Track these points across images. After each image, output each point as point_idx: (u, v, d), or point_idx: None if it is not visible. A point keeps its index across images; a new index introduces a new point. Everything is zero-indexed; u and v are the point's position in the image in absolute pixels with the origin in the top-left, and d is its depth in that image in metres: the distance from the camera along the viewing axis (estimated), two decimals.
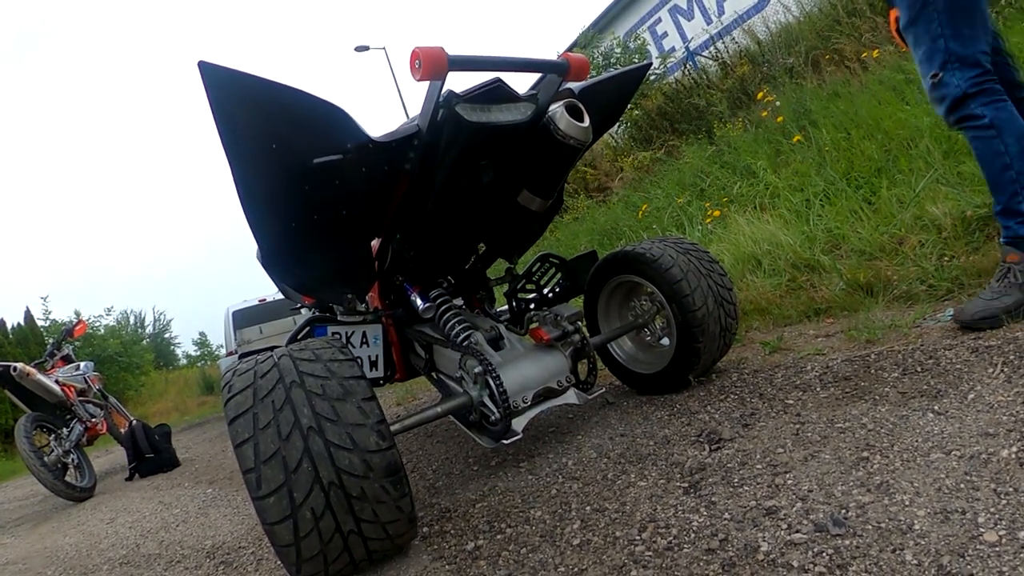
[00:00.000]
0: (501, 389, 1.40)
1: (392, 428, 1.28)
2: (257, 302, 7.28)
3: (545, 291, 2.16)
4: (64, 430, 4.01)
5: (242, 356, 1.86)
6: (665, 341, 1.90)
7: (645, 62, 1.66)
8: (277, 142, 1.21)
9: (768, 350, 1.92)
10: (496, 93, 1.39)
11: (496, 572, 1.10)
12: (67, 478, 3.79)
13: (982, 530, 0.74)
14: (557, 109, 1.45)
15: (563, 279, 2.16)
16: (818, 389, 1.41)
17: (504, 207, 1.66)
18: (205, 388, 16.50)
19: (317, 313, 2.32)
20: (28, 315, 14.37)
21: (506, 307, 2.20)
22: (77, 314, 16.99)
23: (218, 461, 4.06)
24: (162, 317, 26.42)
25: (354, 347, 1.82)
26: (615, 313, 2.02)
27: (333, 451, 1.03)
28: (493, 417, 1.45)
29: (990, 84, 1.46)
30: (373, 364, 1.86)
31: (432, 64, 1.16)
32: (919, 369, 1.29)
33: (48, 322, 15.37)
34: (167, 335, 26.29)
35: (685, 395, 1.76)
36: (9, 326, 13.41)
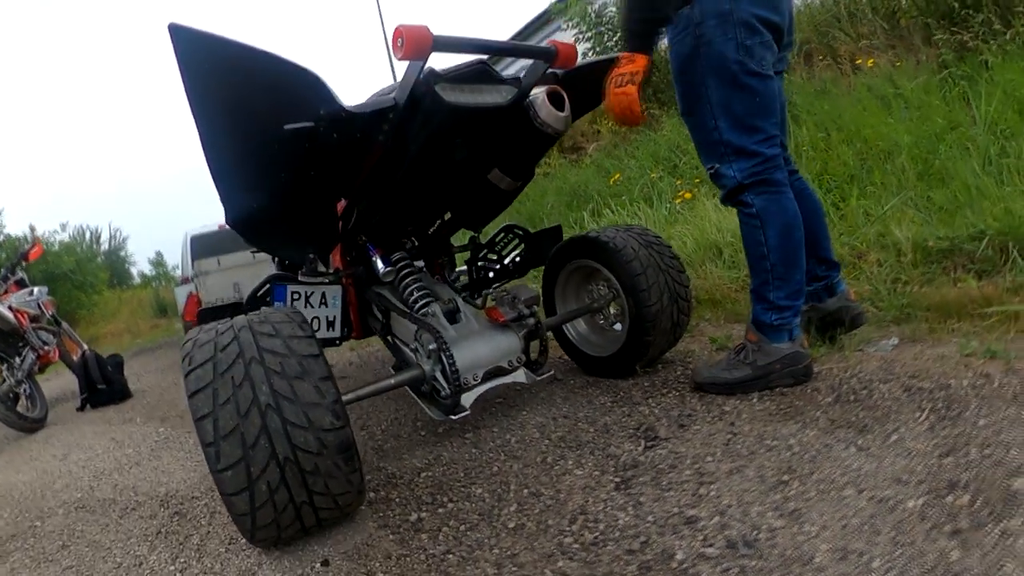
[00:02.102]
0: (453, 367, 1.44)
1: (345, 398, 1.31)
2: (217, 228, 7.03)
3: (506, 262, 2.21)
4: (16, 359, 3.91)
5: (201, 316, 1.83)
6: (618, 327, 1.97)
7: (618, 53, 1.65)
8: (248, 107, 1.19)
9: (715, 346, 2.01)
10: (479, 74, 1.38)
11: (436, 547, 1.17)
12: (19, 408, 3.73)
13: (873, 575, 0.81)
14: (539, 95, 1.45)
15: (525, 251, 2.21)
16: (755, 400, 1.49)
17: (474, 182, 1.67)
18: (158, 310, 16.16)
19: (277, 271, 2.30)
20: None
21: (465, 270, 2.23)
22: (32, 229, 16.19)
23: (169, 396, 4.05)
24: (118, 234, 25.58)
25: (312, 307, 1.83)
26: (572, 294, 2.07)
27: (290, 429, 1.06)
28: (444, 393, 1.50)
29: (767, 174, 1.49)
30: (330, 324, 1.88)
31: (415, 44, 1.15)
32: (852, 398, 1.37)
33: (1, 236, 14.67)
34: (122, 253, 25.51)
35: (630, 383, 1.84)
36: None
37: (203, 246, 6.88)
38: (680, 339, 1.94)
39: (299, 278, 1.78)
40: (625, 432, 1.49)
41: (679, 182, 4.34)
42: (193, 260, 6.75)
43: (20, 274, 4.77)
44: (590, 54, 7.34)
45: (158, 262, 26.49)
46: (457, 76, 1.33)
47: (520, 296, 1.61)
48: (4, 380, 3.79)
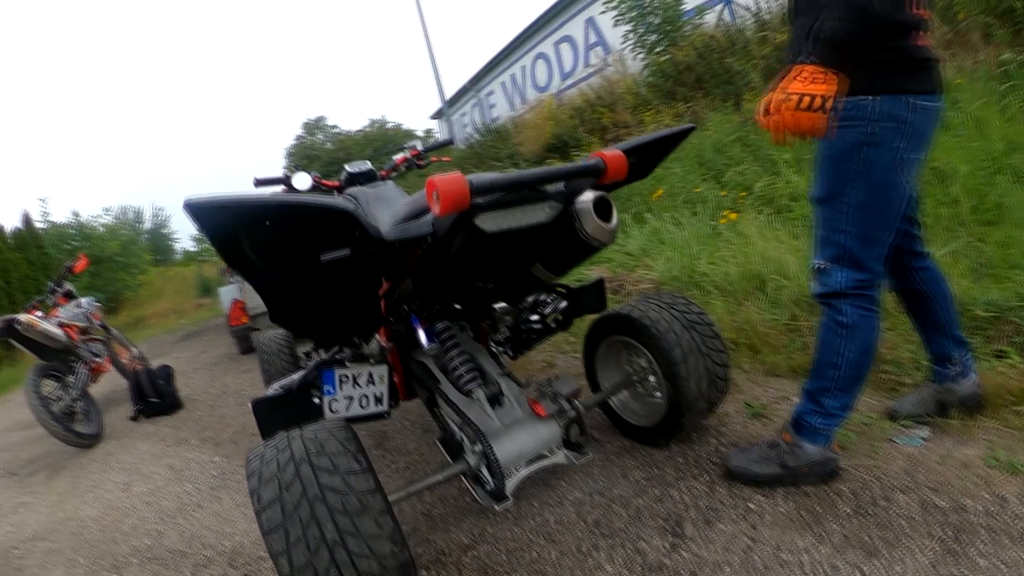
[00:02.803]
0: (496, 465, 1.64)
1: (393, 497, 1.54)
2: None
3: (548, 320, 2.38)
4: (70, 377, 4.33)
5: (256, 408, 2.02)
6: (657, 394, 2.14)
7: (688, 125, 1.66)
8: (281, 250, 1.34)
9: (750, 414, 2.16)
10: (521, 196, 1.43)
11: None
12: (75, 425, 4.12)
13: None
14: (586, 204, 1.49)
15: (568, 307, 2.37)
16: (779, 499, 1.65)
17: (515, 274, 1.82)
18: (202, 290, 17.05)
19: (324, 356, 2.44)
20: (26, 218, 14.51)
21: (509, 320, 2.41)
22: (76, 215, 17.20)
23: (219, 411, 4.42)
24: (160, 213, 27.05)
25: (360, 386, 2.05)
26: (612, 362, 2.24)
27: (355, 559, 1.28)
28: (489, 487, 1.70)
29: (871, 291, 1.55)
30: (379, 400, 2.10)
31: (453, 199, 1.21)
32: (870, 511, 1.51)
33: (47, 224, 15.64)
34: (164, 230, 26.98)
35: (664, 455, 2.03)
36: (8, 230, 13.57)
37: None
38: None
39: (345, 362, 2.00)
40: (655, 522, 1.69)
41: (724, 194, 4.39)
42: None
43: (68, 286, 5.21)
44: (630, 37, 7.25)
45: (200, 238, 27.89)
46: (499, 202, 1.40)
47: (561, 391, 1.79)
48: (59, 398, 4.19)
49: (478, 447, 1.67)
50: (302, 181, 2.69)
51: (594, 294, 2.39)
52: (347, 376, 2.01)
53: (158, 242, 25.04)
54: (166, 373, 4.91)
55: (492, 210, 1.37)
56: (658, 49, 6.90)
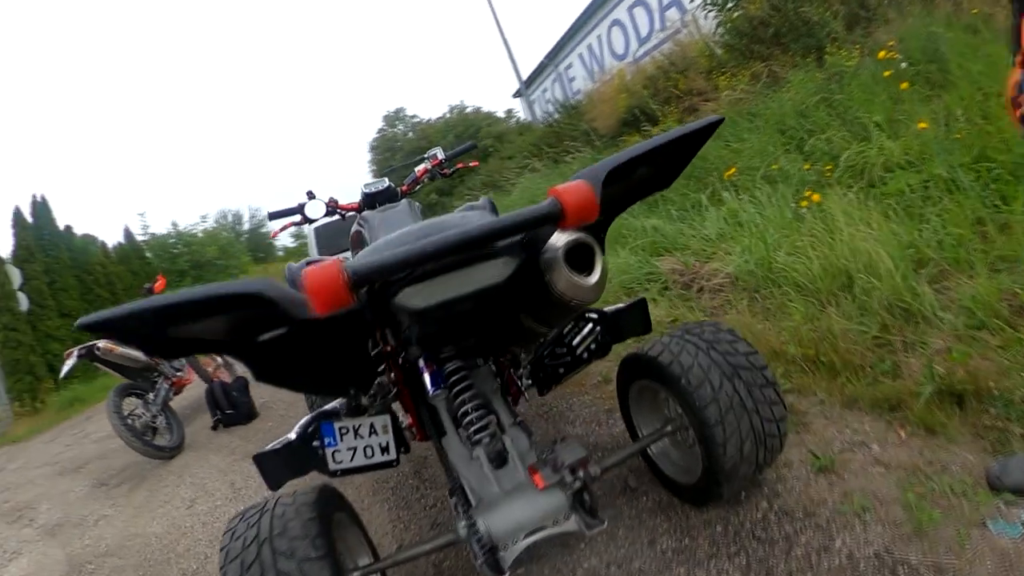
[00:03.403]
0: (488, 540, 1.43)
1: (380, 565, 1.48)
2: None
3: (579, 351, 2.00)
4: (150, 395, 4.60)
5: (258, 461, 1.92)
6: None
7: (716, 117, 1.27)
8: (214, 336, 1.19)
9: (815, 467, 1.76)
10: (455, 260, 1.16)
11: None
12: (156, 440, 4.39)
13: None
14: (553, 254, 1.19)
15: (602, 334, 2.03)
16: None
17: (498, 328, 1.58)
18: None
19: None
20: (128, 233, 16.05)
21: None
22: (174, 225, 18.82)
23: (289, 420, 4.53)
24: (258, 213, 28.98)
25: (363, 437, 1.89)
26: (647, 406, 1.91)
27: None
28: (479, 561, 1.49)
29: None
30: (384, 449, 1.94)
31: (327, 297, 0.96)
32: None
33: (148, 236, 17.26)
34: (263, 229, 28.90)
35: (701, 519, 1.70)
36: (111, 246, 15.05)
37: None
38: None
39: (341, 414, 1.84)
40: None
41: (807, 167, 3.81)
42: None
43: None
44: (713, 21, 6.54)
45: (298, 233, 29.78)
46: (420, 275, 1.15)
47: (563, 460, 1.50)
48: (141, 415, 4.45)
49: (467, 521, 1.46)
50: (315, 209, 2.60)
51: (635, 316, 2.00)
52: (347, 428, 1.86)
53: (258, 241, 26.85)
54: (240, 385, 5.11)
55: (419, 282, 1.13)
56: (730, 5, 6.18)
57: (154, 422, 4.49)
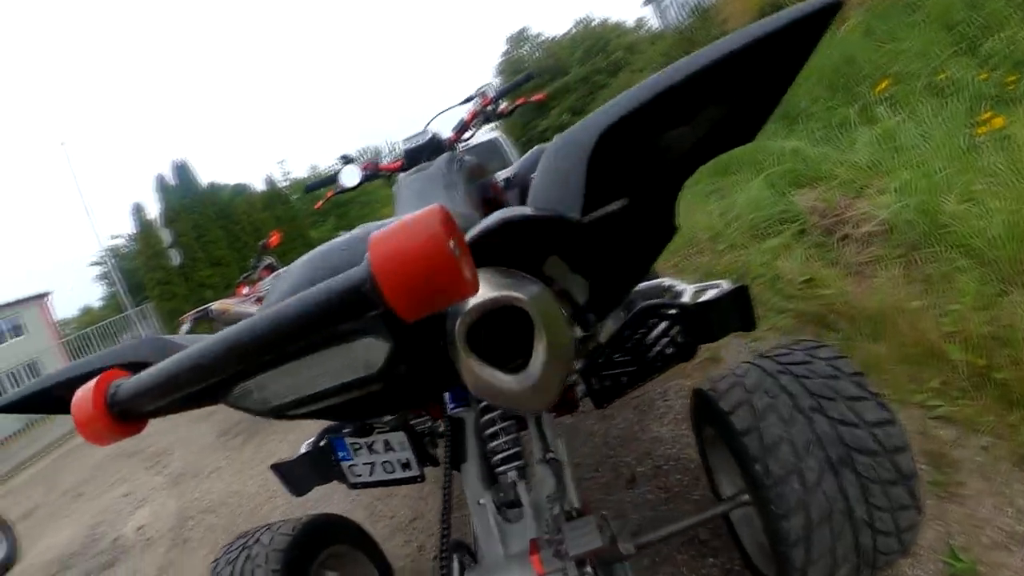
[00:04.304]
0: None
1: None
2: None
3: (650, 355, 1.43)
4: None
5: (277, 470, 1.79)
6: None
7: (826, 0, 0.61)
8: None
9: (950, 573, 1.20)
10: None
11: None
12: None
13: None
14: (457, 331, 0.75)
15: (683, 332, 1.50)
16: None
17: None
18: None
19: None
20: (269, 181, 17.42)
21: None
22: (314, 168, 20.10)
23: None
24: (395, 147, 30.28)
25: (378, 453, 1.68)
26: (728, 458, 1.43)
27: None
28: None
29: None
30: (404, 466, 1.71)
31: (87, 426, 0.65)
32: None
33: (289, 182, 18.56)
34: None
35: None
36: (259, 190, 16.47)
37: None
38: None
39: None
40: None
41: (983, 77, 2.84)
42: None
43: (267, 260, 5.81)
44: None
45: None
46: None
47: (569, 549, 1.12)
48: None
49: None
50: (350, 176, 2.40)
51: (731, 309, 1.45)
52: (359, 444, 1.65)
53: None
54: None
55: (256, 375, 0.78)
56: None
57: None
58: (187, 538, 3.03)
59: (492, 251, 0.77)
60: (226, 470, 3.85)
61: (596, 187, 0.71)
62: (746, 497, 1.21)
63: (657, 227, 0.86)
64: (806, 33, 0.64)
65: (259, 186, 20.19)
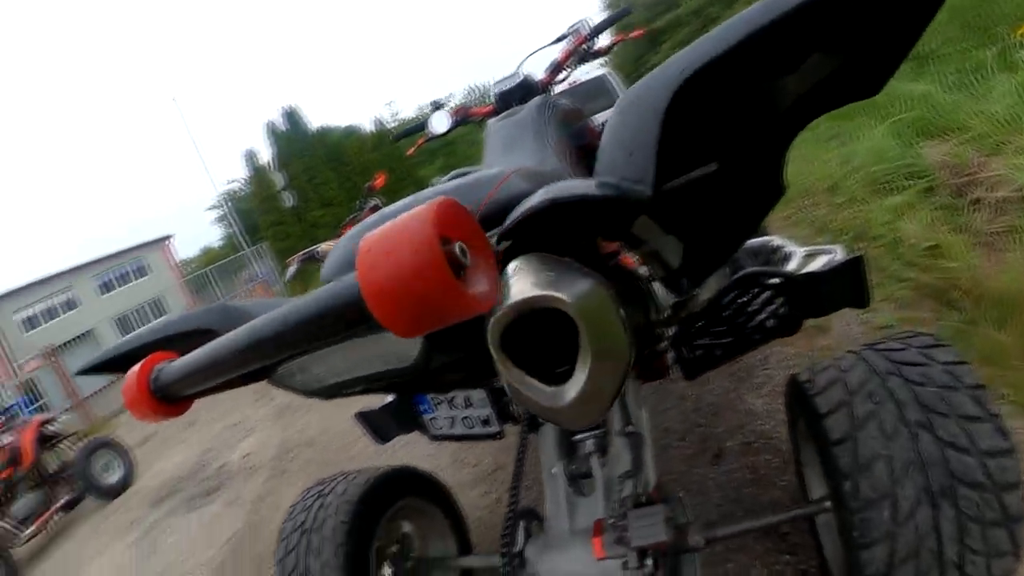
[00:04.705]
0: None
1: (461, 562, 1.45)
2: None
3: (749, 327, 1.37)
4: None
5: (362, 417, 1.82)
6: None
7: None
8: None
9: None
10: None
11: None
12: None
13: None
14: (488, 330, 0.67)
15: (789, 304, 1.31)
16: None
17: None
18: None
19: None
20: (378, 122, 17.91)
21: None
22: (420, 109, 20.32)
23: None
24: (482, 91, 30.02)
25: (458, 408, 1.65)
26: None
27: None
28: None
29: None
30: (484, 422, 1.67)
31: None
32: None
33: (396, 122, 18.97)
34: None
35: None
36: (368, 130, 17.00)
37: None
38: None
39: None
40: None
41: None
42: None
43: (373, 201, 5.89)
44: None
45: None
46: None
47: (632, 539, 1.00)
48: None
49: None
50: (440, 122, 2.27)
51: (843, 282, 1.25)
52: (439, 398, 1.62)
53: None
54: None
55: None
56: None
57: None
58: (285, 469, 3.24)
59: (540, 233, 0.66)
60: (325, 406, 4.06)
61: (674, 151, 0.58)
62: (831, 504, 1.05)
63: (758, 190, 0.72)
64: None
65: (368, 127, 21.10)
